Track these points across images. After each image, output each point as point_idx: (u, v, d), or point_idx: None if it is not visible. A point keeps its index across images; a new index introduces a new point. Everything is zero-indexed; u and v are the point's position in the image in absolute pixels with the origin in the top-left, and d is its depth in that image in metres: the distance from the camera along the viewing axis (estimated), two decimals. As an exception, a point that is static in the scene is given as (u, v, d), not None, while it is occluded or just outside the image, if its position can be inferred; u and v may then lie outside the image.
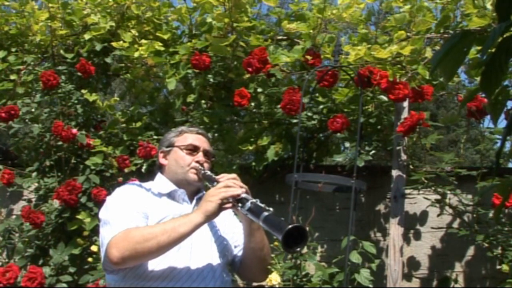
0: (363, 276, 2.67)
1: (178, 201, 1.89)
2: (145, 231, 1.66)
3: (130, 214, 1.74)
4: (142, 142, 3.26)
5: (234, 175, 1.78)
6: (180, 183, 1.90)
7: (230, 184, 1.72)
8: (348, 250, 2.66)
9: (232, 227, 1.96)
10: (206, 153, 1.95)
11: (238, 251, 1.94)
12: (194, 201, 1.91)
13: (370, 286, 2.65)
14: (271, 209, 1.62)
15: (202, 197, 1.89)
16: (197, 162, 1.90)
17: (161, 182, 1.93)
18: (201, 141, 1.96)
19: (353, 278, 2.68)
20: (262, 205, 1.64)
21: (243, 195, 1.69)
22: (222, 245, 1.88)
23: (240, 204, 1.68)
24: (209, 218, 1.69)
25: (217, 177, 1.81)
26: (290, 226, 1.51)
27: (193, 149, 1.93)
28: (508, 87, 1.19)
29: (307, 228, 1.59)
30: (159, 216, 1.78)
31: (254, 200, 1.67)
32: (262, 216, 1.59)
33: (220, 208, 1.69)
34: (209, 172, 1.89)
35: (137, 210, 1.77)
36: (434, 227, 3.19)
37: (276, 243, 2.59)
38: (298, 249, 1.58)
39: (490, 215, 2.96)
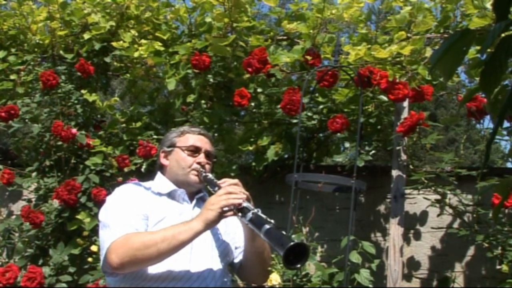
0: (363, 276, 2.67)
1: (178, 200, 1.88)
2: (146, 237, 1.65)
3: (129, 217, 1.73)
4: (142, 141, 3.25)
5: (235, 181, 1.76)
6: (180, 184, 1.89)
7: (231, 190, 1.71)
8: (348, 250, 2.66)
9: (233, 227, 1.96)
10: (207, 154, 1.94)
11: (238, 253, 1.93)
12: (194, 201, 1.90)
13: (370, 286, 2.64)
14: (272, 221, 1.60)
15: (202, 196, 1.88)
16: (198, 163, 1.90)
17: (161, 182, 1.92)
18: (203, 142, 1.95)
19: (353, 278, 2.68)
20: (264, 217, 1.62)
21: (245, 204, 1.67)
22: (223, 246, 1.88)
23: (240, 214, 1.67)
24: (209, 226, 1.68)
25: (218, 182, 1.79)
26: (291, 243, 1.49)
27: (194, 150, 1.92)
28: (507, 86, 1.19)
29: (308, 245, 1.56)
30: (159, 216, 1.78)
31: (255, 210, 1.64)
32: (264, 229, 1.57)
33: (221, 216, 1.69)
34: (210, 175, 1.87)
35: (136, 212, 1.76)
36: (434, 227, 3.19)
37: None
38: (299, 265, 1.55)
39: (490, 215, 2.96)
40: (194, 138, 1.95)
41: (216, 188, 1.75)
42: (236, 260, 1.93)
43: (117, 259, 1.62)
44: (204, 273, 1.76)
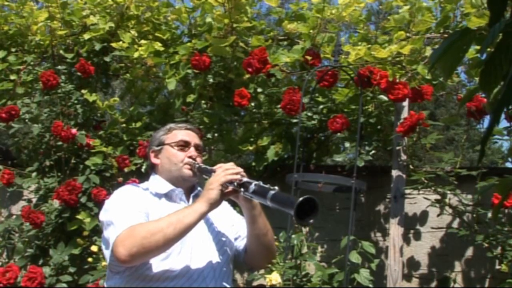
0: (363, 276, 2.67)
1: (175, 201, 1.89)
2: (150, 225, 1.65)
3: (131, 213, 1.73)
4: (142, 141, 3.25)
5: (230, 163, 1.78)
6: (175, 181, 1.90)
7: (228, 167, 1.72)
8: (348, 250, 2.66)
9: (230, 220, 1.96)
10: (197, 148, 1.95)
11: (240, 241, 1.93)
12: (191, 200, 1.90)
13: (370, 286, 2.64)
14: (276, 187, 1.60)
15: (198, 194, 1.88)
16: (190, 157, 1.90)
17: (156, 182, 1.92)
18: (191, 136, 1.96)
19: (352, 278, 2.68)
20: (267, 186, 1.62)
21: (245, 179, 1.68)
22: (221, 243, 1.88)
23: (243, 189, 1.66)
24: (213, 206, 1.68)
25: (213, 167, 1.80)
26: (300, 199, 1.48)
27: (184, 145, 1.93)
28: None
29: (317, 199, 1.55)
30: (159, 217, 1.78)
31: (257, 182, 1.64)
32: (269, 195, 1.55)
33: (223, 194, 1.69)
34: (203, 165, 1.89)
35: (138, 209, 1.76)
36: (434, 227, 3.18)
37: (276, 243, 2.59)
38: (311, 220, 1.55)
39: (490, 215, 2.96)
40: (182, 133, 1.96)
41: (212, 174, 1.76)
42: (240, 250, 1.92)
43: (125, 251, 1.61)
44: (204, 273, 1.76)
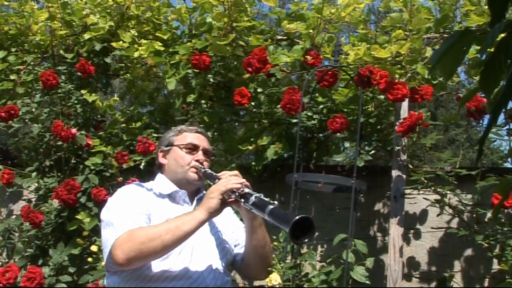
0: (358, 273, 2.67)
1: (178, 202, 1.89)
2: (150, 231, 1.66)
3: (132, 215, 1.74)
4: (141, 138, 3.24)
5: (235, 172, 1.78)
6: (180, 183, 1.90)
7: (230, 178, 1.73)
8: (348, 249, 2.66)
9: (231, 226, 1.96)
10: (205, 152, 1.95)
11: (238, 249, 1.93)
12: (195, 202, 1.91)
13: (367, 282, 2.64)
14: (275, 202, 1.61)
15: (202, 197, 1.89)
16: (197, 161, 1.90)
17: (161, 183, 1.93)
18: (201, 140, 1.96)
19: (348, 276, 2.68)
20: (267, 199, 1.63)
21: (246, 190, 1.68)
22: (222, 246, 1.89)
23: (243, 200, 1.67)
24: (212, 214, 1.69)
25: (218, 174, 1.81)
26: (297, 217, 1.49)
27: (192, 148, 1.93)
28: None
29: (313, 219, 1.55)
30: (161, 218, 1.78)
31: (258, 195, 1.66)
32: (267, 210, 1.57)
33: (223, 203, 1.69)
34: (209, 170, 1.89)
35: (139, 211, 1.77)
36: (434, 227, 3.19)
37: (275, 243, 2.59)
38: (306, 240, 1.56)
39: (489, 215, 2.96)
40: (191, 136, 1.96)
41: (216, 181, 1.76)
42: (237, 257, 1.93)
43: (122, 255, 1.62)
44: (204, 273, 1.77)
